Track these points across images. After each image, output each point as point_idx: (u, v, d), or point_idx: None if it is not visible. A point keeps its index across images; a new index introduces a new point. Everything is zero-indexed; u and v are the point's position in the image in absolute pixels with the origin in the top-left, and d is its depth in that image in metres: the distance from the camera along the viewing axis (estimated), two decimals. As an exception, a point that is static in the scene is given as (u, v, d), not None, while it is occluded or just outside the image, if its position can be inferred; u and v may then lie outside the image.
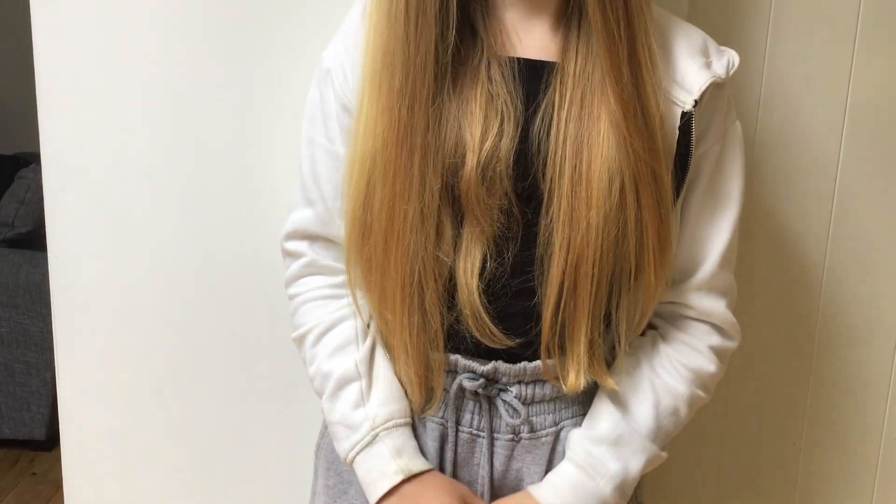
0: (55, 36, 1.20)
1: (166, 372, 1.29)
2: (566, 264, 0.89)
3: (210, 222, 1.24)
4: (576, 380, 0.93)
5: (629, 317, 0.95)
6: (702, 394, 1.00)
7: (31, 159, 3.17)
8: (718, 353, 1.00)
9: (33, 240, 2.77)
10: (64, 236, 1.25)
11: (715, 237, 0.98)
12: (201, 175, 1.23)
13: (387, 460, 0.95)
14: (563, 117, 0.88)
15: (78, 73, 1.20)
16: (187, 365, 1.29)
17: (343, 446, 0.98)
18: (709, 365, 0.99)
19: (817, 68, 1.32)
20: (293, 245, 1.04)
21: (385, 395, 0.98)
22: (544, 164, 0.89)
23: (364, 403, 0.97)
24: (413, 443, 0.98)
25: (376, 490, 0.96)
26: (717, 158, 0.96)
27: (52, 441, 2.80)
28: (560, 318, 0.91)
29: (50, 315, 1.30)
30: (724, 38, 1.29)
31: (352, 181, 0.92)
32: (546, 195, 0.89)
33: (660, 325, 1.02)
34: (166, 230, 1.24)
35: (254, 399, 1.29)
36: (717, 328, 1.01)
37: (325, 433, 1.09)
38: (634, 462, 0.96)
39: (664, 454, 0.99)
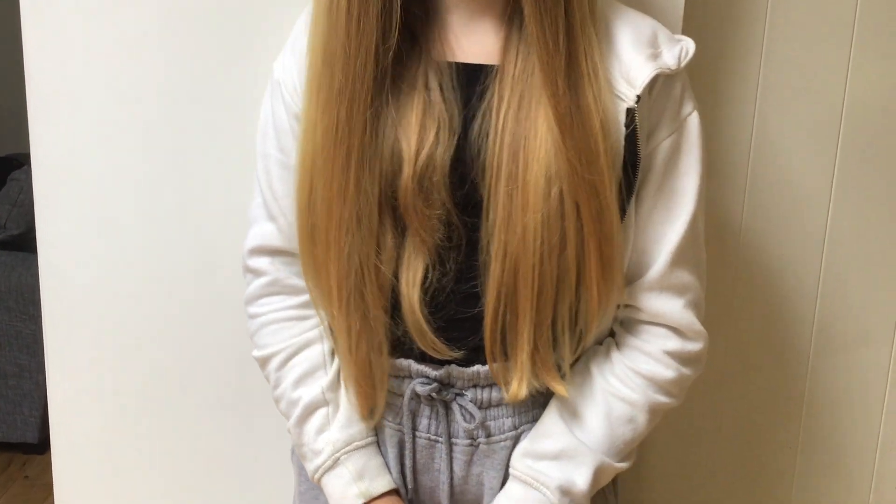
0: (45, 38, 1.19)
1: (157, 375, 1.29)
2: (503, 270, 0.88)
3: (201, 226, 1.23)
4: (518, 387, 0.91)
5: (572, 326, 0.92)
6: (663, 399, 0.96)
7: (23, 161, 3.16)
8: (677, 356, 0.95)
9: (26, 242, 2.76)
10: (55, 240, 1.25)
11: (667, 235, 0.93)
12: (192, 179, 1.22)
13: (348, 483, 0.97)
14: (501, 119, 0.87)
15: (68, 76, 1.20)
16: (178, 368, 1.29)
17: (309, 467, 1.00)
18: (665, 371, 0.95)
19: (814, 70, 1.32)
20: (255, 262, 1.02)
21: (346, 418, 0.98)
22: (483, 170, 0.88)
23: (328, 428, 0.99)
24: (377, 461, 0.99)
25: None
26: (672, 152, 0.92)
27: (44, 444, 2.78)
28: (500, 324, 0.90)
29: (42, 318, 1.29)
30: (720, 40, 1.29)
31: (298, 181, 0.92)
32: (485, 200, 0.88)
33: (617, 332, 0.99)
34: (157, 234, 1.24)
35: (244, 403, 1.29)
36: (673, 330, 0.95)
37: None
38: (580, 475, 0.93)
39: (621, 465, 0.96)
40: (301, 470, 1.07)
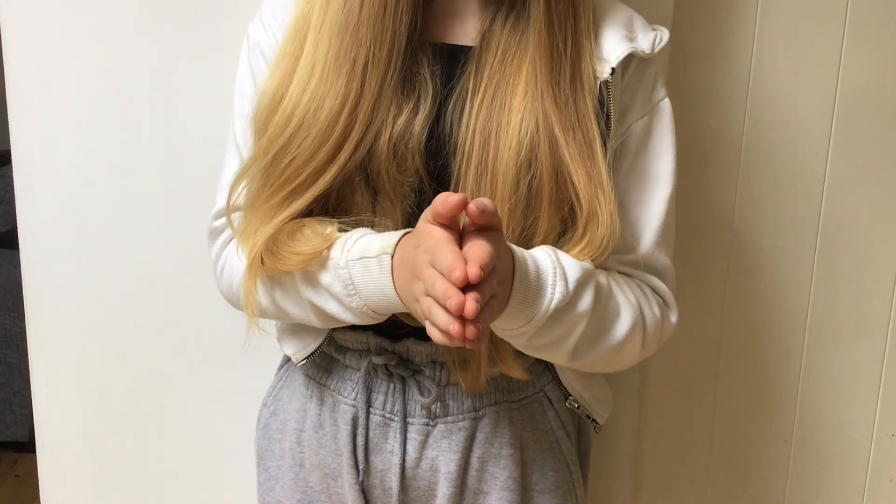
0: (24, 32, 1.19)
1: (142, 372, 1.29)
2: None
3: (183, 220, 1.23)
4: (475, 378, 0.92)
5: None
6: (640, 331, 0.91)
7: (9, 158, 3.13)
8: (661, 306, 0.95)
9: (13, 239, 2.73)
10: (36, 236, 1.25)
11: (647, 217, 0.94)
12: (173, 173, 1.22)
13: (372, 239, 0.87)
14: (476, 105, 0.88)
15: (48, 71, 1.20)
16: (163, 364, 1.28)
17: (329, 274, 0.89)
18: (652, 306, 0.93)
19: (806, 61, 1.31)
20: (220, 222, 0.98)
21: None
22: (455, 149, 0.89)
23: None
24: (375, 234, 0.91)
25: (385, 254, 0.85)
26: (644, 135, 0.94)
27: (35, 443, 2.76)
28: None
29: (31, 315, 1.28)
30: (712, 31, 1.28)
31: (276, 125, 0.89)
32: (454, 179, 0.89)
33: None
34: (139, 229, 1.24)
35: (230, 398, 1.29)
36: (660, 294, 0.96)
37: (258, 428, 1.09)
38: (572, 271, 0.85)
39: (576, 341, 0.88)
40: (259, 460, 1.07)
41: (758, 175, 1.34)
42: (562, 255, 0.85)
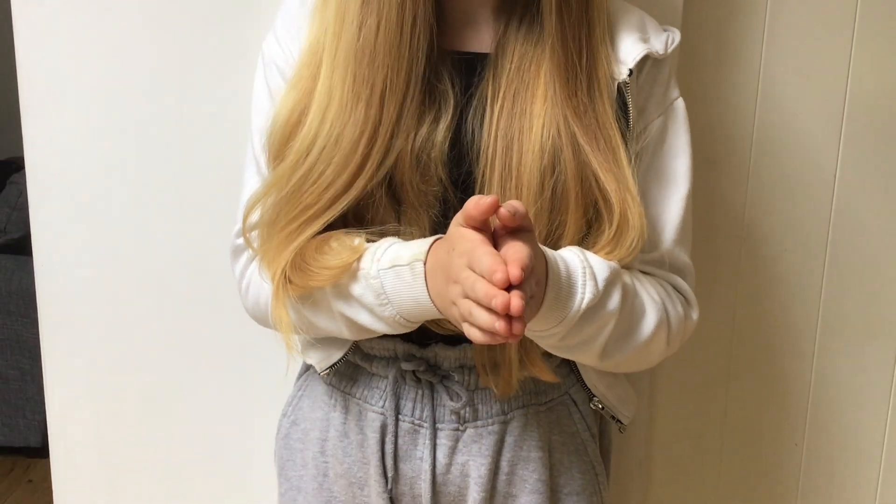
0: (37, 40, 1.19)
1: (154, 378, 1.28)
2: None
3: (197, 226, 1.23)
4: (506, 383, 0.92)
5: None
6: (665, 329, 0.92)
7: (23, 164, 3.14)
8: (683, 303, 0.96)
9: (26, 245, 2.73)
10: (49, 243, 1.25)
11: (666, 216, 0.95)
12: (187, 179, 1.22)
13: (402, 248, 0.86)
14: (496, 112, 0.89)
15: (61, 78, 1.20)
16: (176, 370, 1.28)
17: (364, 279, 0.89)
18: (675, 303, 0.94)
19: (815, 61, 1.31)
20: (242, 241, 0.97)
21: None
22: (478, 155, 0.89)
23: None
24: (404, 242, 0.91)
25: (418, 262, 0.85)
26: (660, 135, 0.95)
27: (47, 448, 2.76)
28: None
29: (43, 321, 1.29)
30: (720, 33, 1.28)
31: (299, 144, 0.89)
32: (479, 185, 0.89)
33: None
34: (153, 235, 1.24)
35: (243, 405, 1.28)
36: (681, 291, 0.97)
37: (278, 438, 1.08)
38: (600, 270, 0.86)
39: (603, 343, 0.88)
40: (280, 470, 1.07)
41: (768, 177, 1.34)
42: (589, 254, 0.86)
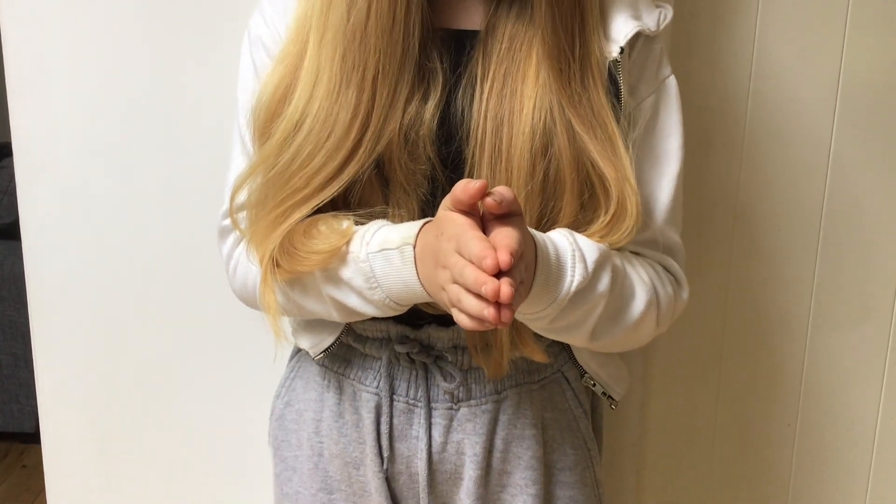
0: (24, 25, 1.18)
1: (145, 362, 1.29)
2: None
3: (185, 210, 1.23)
4: (497, 365, 0.92)
5: None
6: (654, 309, 0.91)
7: (10, 149, 3.13)
8: (673, 284, 0.95)
9: (17, 230, 2.74)
10: (38, 228, 1.25)
11: (657, 195, 0.94)
12: (174, 164, 1.22)
13: (391, 230, 0.85)
14: (486, 91, 0.88)
15: (48, 63, 1.20)
16: (165, 355, 1.28)
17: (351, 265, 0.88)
18: (664, 283, 0.94)
19: (810, 42, 1.30)
20: (230, 222, 0.96)
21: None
22: (467, 135, 0.88)
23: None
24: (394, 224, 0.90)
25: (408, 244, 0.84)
26: (653, 113, 0.94)
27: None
28: None
29: (35, 307, 1.28)
30: (714, 10, 1.27)
31: (285, 121, 0.88)
32: (468, 167, 0.88)
33: None
34: (141, 220, 1.24)
35: (234, 389, 1.29)
36: (671, 271, 0.97)
37: (272, 419, 1.08)
38: (590, 252, 0.85)
39: (594, 322, 0.88)
40: (275, 451, 1.07)
41: (761, 158, 1.34)
42: (578, 236, 0.85)
